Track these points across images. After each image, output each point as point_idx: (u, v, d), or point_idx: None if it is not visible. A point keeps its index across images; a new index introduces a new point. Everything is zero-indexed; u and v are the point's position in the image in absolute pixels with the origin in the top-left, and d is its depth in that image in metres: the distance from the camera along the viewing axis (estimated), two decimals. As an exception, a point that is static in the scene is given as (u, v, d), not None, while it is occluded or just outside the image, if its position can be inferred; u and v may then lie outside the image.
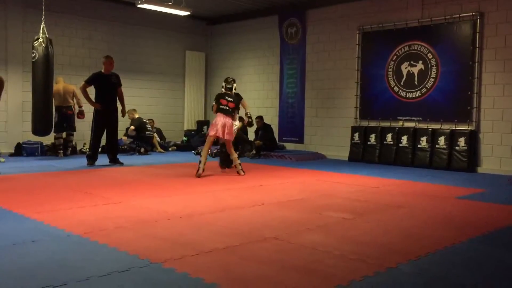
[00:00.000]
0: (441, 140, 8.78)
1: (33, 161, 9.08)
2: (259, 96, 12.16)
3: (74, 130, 10.12)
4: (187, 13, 11.75)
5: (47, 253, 3.32)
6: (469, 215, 4.88)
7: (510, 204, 5.50)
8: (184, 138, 12.48)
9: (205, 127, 13.05)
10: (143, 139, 10.86)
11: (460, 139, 8.57)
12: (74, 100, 10.02)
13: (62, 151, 9.95)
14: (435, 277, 2.98)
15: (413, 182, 7.13)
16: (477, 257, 3.44)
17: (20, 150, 9.97)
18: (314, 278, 2.90)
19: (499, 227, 4.37)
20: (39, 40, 8.00)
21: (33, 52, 8.09)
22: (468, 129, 8.56)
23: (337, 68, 10.54)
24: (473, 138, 8.50)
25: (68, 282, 2.74)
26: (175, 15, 11.87)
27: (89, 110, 9.09)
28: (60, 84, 9.89)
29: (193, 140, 12.17)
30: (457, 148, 8.58)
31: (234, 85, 7.94)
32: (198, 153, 10.99)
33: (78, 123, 10.22)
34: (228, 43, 12.98)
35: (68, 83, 10.11)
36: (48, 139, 9.95)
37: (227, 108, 7.63)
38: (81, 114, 10.06)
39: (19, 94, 10.19)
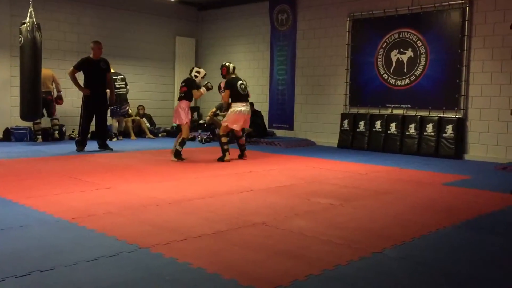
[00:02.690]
0: (429, 128, 8.85)
1: (22, 146, 9.03)
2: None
3: (54, 115, 9.98)
4: (177, -2, 11.67)
5: (35, 238, 3.33)
6: (455, 201, 4.95)
7: (495, 190, 5.58)
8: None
9: (195, 113, 13.03)
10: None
11: (447, 127, 8.65)
12: (53, 85, 9.91)
13: (40, 136, 9.82)
14: (419, 261, 3.04)
15: (401, 168, 7.20)
16: (461, 242, 3.51)
17: (9, 136, 9.90)
18: (301, 263, 2.94)
19: (484, 212, 4.45)
20: (25, 25, 7.90)
21: (19, 37, 8.00)
22: (455, 117, 8.64)
23: (327, 55, 10.54)
24: (460, 125, 8.58)
25: (56, 267, 2.76)
26: (165, 0, 11.80)
27: (78, 95, 9.03)
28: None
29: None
30: (444, 135, 8.67)
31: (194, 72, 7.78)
32: (188, 139, 10.96)
33: (66, 108, 10.15)
34: (218, 29, 12.91)
35: (48, 68, 9.88)
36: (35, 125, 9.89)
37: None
38: (59, 99, 9.96)
39: (7, 79, 10.09)
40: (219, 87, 8.35)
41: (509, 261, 3.13)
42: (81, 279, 2.61)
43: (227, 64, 7.79)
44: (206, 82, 7.85)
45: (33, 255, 2.97)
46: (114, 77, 9.84)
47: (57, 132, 10.12)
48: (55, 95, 9.94)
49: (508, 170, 7.15)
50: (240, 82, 7.58)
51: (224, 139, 7.49)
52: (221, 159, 7.46)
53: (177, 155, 7.47)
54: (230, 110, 7.57)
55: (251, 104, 10.88)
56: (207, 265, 2.84)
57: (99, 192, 4.92)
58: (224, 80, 7.84)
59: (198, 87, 7.62)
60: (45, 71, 9.78)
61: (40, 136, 9.83)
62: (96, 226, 3.61)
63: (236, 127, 7.56)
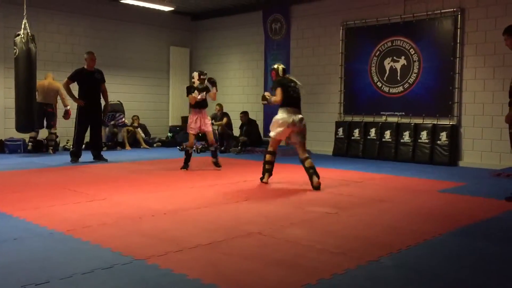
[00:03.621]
0: (423, 135, 8.89)
1: (16, 158, 8.98)
2: (244, 92, 12.17)
3: (52, 127, 9.87)
4: (171, 8, 11.70)
5: (30, 250, 3.31)
6: (450, 208, 4.96)
7: (490, 197, 5.59)
8: (169, 134, 12.44)
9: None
10: None
11: (442, 134, 8.68)
12: (58, 98, 9.85)
13: (31, 143, 9.68)
14: (415, 269, 3.04)
15: (396, 176, 7.22)
16: (457, 249, 3.51)
17: (3, 147, 9.85)
18: (297, 272, 2.93)
19: (479, 219, 4.46)
20: (20, 36, 7.90)
21: (14, 48, 7.99)
22: (449, 124, 8.68)
23: (321, 63, 10.59)
24: (454, 132, 8.62)
25: (50, 280, 2.74)
26: (159, 10, 11.83)
27: (72, 106, 9.01)
28: (47, 80, 9.72)
29: (178, 136, 12.14)
30: (439, 142, 8.70)
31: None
32: (183, 149, 10.98)
33: (60, 119, 10.10)
34: (212, 38, 12.95)
35: (56, 80, 9.90)
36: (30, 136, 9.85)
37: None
38: (66, 114, 9.83)
39: (1, 90, 10.06)
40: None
41: (504, 268, 3.14)
42: (76, 292, 2.59)
43: (275, 66, 6.53)
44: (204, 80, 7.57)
45: (27, 268, 2.95)
46: None
47: (51, 148, 9.83)
48: (59, 109, 9.81)
49: (503, 177, 7.18)
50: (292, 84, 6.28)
51: (268, 157, 6.26)
52: (261, 179, 6.34)
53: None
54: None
55: (245, 113, 10.92)
56: (203, 275, 2.83)
57: (94, 204, 4.89)
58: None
59: (190, 92, 7.46)
60: (52, 83, 9.74)
61: (31, 144, 9.72)
62: (91, 237, 3.59)
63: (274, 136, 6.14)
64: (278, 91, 6.09)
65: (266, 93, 6.51)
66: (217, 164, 7.66)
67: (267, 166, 6.27)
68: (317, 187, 5.87)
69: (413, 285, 2.79)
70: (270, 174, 6.30)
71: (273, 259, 3.18)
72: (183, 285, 2.71)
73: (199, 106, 7.45)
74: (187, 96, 7.52)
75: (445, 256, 3.35)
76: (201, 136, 8.28)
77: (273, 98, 6.17)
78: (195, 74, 7.55)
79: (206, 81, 7.54)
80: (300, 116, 6.09)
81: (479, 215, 4.63)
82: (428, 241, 3.69)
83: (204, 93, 7.50)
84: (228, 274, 2.89)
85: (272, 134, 6.12)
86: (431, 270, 3.02)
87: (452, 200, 5.42)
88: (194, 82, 7.51)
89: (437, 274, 2.96)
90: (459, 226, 4.16)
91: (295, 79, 6.35)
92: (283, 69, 6.43)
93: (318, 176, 5.93)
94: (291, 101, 6.09)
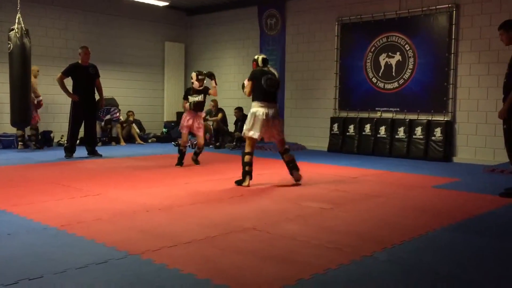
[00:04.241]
0: (418, 131, 8.92)
1: (10, 153, 8.94)
2: (239, 87, 12.09)
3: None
4: (166, 3, 11.67)
5: (24, 246, 3.29)
6: (444, 204, 4.98)
7: (484, 192, 5.62)
8: (164, 130, 12.42)
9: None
10: None
11: (436, 130, 8.71)
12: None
13: (21, 143, 9.64)
14: (409, 264, 3.05)
15: (391, 172, 7.24)
16: (451, 245, 3.53)
17: (-4, 143, 9.80)
18: (291, 267, 2.94)
19: (473, 215, 4.48)
20: (14, 31, 7.85)
21: (8, 43, 7.94)
22: (444, 120, 8.71)
23: (316, 59, 10.58)
24: (449, 128, 8.65)
25: (44, 275, 2.73)
26: (154, 5, 11.79)
27: (67, 102, 8.96)
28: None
29: (173, 131, 12.12)
30: (433, 138, 8.73)
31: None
32: (178, 145, 10.96)
33: (54, 114, 10.06)
34: (207, 34, 12.91)
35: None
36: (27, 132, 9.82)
37: None
38: (38, 104, 9.61)
39: (-6, 85, 10.00)
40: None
41: (498, 263, 3.15)
42: (70, 287, 2.58)
43: (255, 57, 6.12)
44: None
45: (21, 263, 2.94)
46: None
47: (33, 143, 9.69)
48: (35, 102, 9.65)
49: (497, 172, 7.21)
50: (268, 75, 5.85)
51: (247, 158, 5.79)
52: (238, 183, 5.83)
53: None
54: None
55: (240, 109, 10.90)
56: (197, 271, 2.83)
57: (88, 199, 4.88)
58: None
59: (185, 97, 7.49)
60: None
61: (21, 144, 9.63)
62: (85, 233, 3.58)
63: (254, 134, 5.77)
64: (249, 83, 5.85)
65: (246, 82, 6.08)
66: (196, 161, 7.68)
67: (247, 168, 5.74)
68: (297, 180, 5.89)
69: (407, 280, 2.80)
70: (251, 177, 5.81)
71: (267, 254, 3.18)
72: (177, 280, 2.71)
73: (195, 109, 7.41)
74: (183, 99, 7.53)
75: (439, 251, 3.36)
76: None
77: (245, 89, 5.97)
78: (193, 75, 7.45)
79: (204, 81, 7.44)
80: (273, 110, 5.80)
81: (473, 211, 4.65)
82: (422, 236, 3.70)
83: (202, 95, 7.42)
84: (222, 269, 2.89)
85: (251, 133, 5.74)
86: (425, 265, 3.03)
87: (446, 195, 5.45)
88: (193, 83, 7.43)
89: (431, 269, 2.97)
90: (453, 222, 4.18)
91: (273, 71, 6.00)
92: (263, 59, 5.98)
93: (297, 169, 5.92)
94: (265, 95, 5.77)
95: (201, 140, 7.58)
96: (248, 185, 5.73)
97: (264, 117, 5.71)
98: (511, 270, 3.02)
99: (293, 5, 10.95)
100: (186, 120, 7.41)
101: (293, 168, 5.90)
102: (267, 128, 5.78)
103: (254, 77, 5.83)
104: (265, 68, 5.94)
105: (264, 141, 10.99)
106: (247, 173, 5.76)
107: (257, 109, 5.76)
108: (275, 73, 6.01)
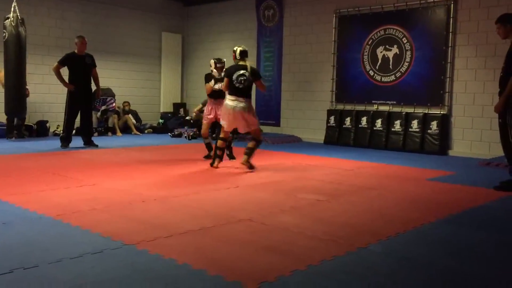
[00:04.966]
0: (414, 124, 8.93)
1: (5, 142, 8.91)
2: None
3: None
4: (163, -7, 11.60)
5: (19, 235, 3.29)
6: (439, 197, 5.00)
7: (478, 186, 5.65)
8: (161, 121, 12.40)
9: (181, 109, 12.98)
10: None
11: (432, 123, 8.73)
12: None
13: (15, 132, 9.56)
14: (404, 256, 3.07)
15: (386, 164, 7.25)
16: (445, 237, 3.55)
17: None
18: (286, 258, 2.95)
19: (467, 207, 4.50)
20: (9, 20, 7.81)
21: (3, 32, 7.90)
22: (440, 113, 8.72)
23: (313, 51, 10.56)
24: (445, 121, 8.66)
25: (39, 264, 2.73)
26: (150, -5, 11.73)
27: (63, 91, 8.94)
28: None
29: (170, 122, 12.10)
30: (429, 131, 8.75)
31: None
32: (175, 136, 10.97)
33: (50, 104, 9.99)
34: (205, 25, 12.86)
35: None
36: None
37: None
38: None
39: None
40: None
41: (492, 256, 3.17)
42: (65, 276, 2.58)
43: (235, 48, 6.51)
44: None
45: (16, 252, 2.94)
46: None
47: (16, 133, 9.53)
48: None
49: (492, 166, 7.24)
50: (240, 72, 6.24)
51: (220, 143, 6.45)
52: (211, 164, 6.52)
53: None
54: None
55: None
56: (192, 261, 2.84)
57: (84, 189, 4.88)
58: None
59: (207, 81, 7.14)
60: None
61: (15, 132, 9.56)
62: (81, 222, 3.58)
63: (224, 124, 6.39)
64: (225, 81, 6.31)
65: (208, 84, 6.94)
66: (231, 156, 7.24)
67: (218, 152, 6.43)
68: (243, 164, 6.22)
69: (401, 272, 2.81)
70: (221, 160, 6.47)
71: (262, 245, 3.19)
72: (173, 270, 2.71)
73: (215, 96, 7.07)
74: (205, 84, 7.19)
75: (434, 243, 3.38)
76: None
77: (222, 86, 6.51)
78: (212, 62, 7.18)
79: (223, 68, 7.03)
80: (241, 104, 6.16)
81: (467, 204, 4.67)
82: (417, 228, 3.72)
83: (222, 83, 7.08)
84: (217, 259, 2.90)
85: (223, 123, 6.36)
86: (419, 257, 3.05)
87: (442, 188, 5.47)
88: (212, 71, 7.16)
89: (426, 261, 2.99)
90: (448, 214, 4.20)
91: (249, 65, 6.30)
92: (241, 52, 6.34)
93: (249, 156, 6.22)
94: (235, 90, 6.20)
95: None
96: (217, 167, 6.38)
97: (231, 110, 6.18)
98: (506, 263, 3.04)
99: (291, -4, 10.90)
100: (209, 111, 7.11)
101: (246, 154, 6.29)
102: (233, 121, 6.24)
103: (228, 75, 6.27)
104: (241, 62, 6.31)
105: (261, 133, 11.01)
106: (218, 156, 6.43)
107: (226, 102, 6.27)
108: (249, 67, 6.28)
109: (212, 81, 7.09)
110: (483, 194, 5.18)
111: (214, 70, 7.16)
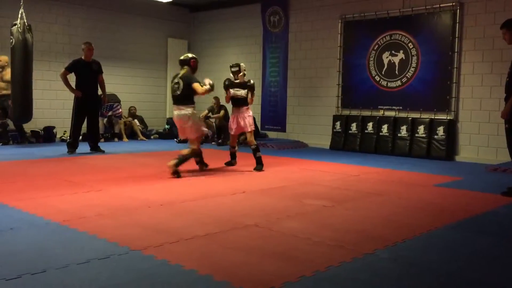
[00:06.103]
0: (421, 129, 8.90)
1: (11, 148, 8.96)
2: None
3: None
4: (169, 0, 11.67)
5: (26, 240, 3.30)
6: (446, 202, 4.97)
7: (486, 191, 5.61)
8: (166, 126, 12.41)
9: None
10: None
11: (439, 128, 8.69)
12: None
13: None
14: (411, 262, 3.05)
15: (393, 170, 7.23)
16: (453, 243, 3.52)
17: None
18: (293, 265, 2.94)
19: (475, 213, 4.47)
20: (16, 26, 7.86)
21: (10, 38, 7.96)
22: (447, 118, 8.69)
23: (319, 57, 10.57)
24: (451, 127, 8.63)
25: (47, 270, 2.74)
26: (157, 1, 11.77)
27: (69, 97, 8.98)
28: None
29: (175, 128, 12.10)
30: (436, 137, 8.71)
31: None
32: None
33: (57, 110, 10.04)
34: (210, 31, 12.90)
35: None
36: (27, 127, 9.84)
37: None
38: None
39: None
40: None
41: (499, 262, 3.15)
42: (72, 282, 2.59)
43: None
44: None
45: (23, 257, 2.94)
46: None
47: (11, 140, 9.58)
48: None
49: (499, 171, 7.20)
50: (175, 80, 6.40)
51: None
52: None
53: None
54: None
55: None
56: (199, 267, 2.83)
57: (90, 195, 4.89)
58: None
59: (225, 88, 6.99)
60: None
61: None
62: (87, 228, 3.59)
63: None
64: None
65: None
66: (258, 165, 6.89)
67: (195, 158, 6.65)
68: (169, 166, 6.08)
69: (408, 278, 2.80)
70: (206, 165, 6.75)
71: (269, 251, 3.18)
72: (179, 275, 2.71)
73: (235, 104, 6.90)
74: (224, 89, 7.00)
75: (441, 249, 3.36)
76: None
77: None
78: (242, 66, 7.09)
79: (239, 73, 6.93)
80: (178, 111, 6.32)
81: (475, 209, 4.64)
82: (423, 234, 3.70)
83: (245, 90, 6.85)
84: (223, 265, 2.89)
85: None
86: (426, 263, 3.03)
87: (448, 194, 5.44)
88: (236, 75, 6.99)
89: (432, 267, 2.97)
90: (455, 220, 4.18)
91: (183, 73, 6.37)
92: (179, 61, 6.53)
93: (179, 163, 6.10)
94: (173, 99, 6.43)
95: (250, 137, 6.91)
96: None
97: (176, 119, 6.43)
98: (513, 269, 3.01)
99: (296, 2, 10.92)
100: (232, 121, 6.96)
101: (177, 158, 6.16)
102: (180, 129, 6.53)
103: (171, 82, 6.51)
104: (180, 71, 6.48)
105: (266, 139, 11.03)
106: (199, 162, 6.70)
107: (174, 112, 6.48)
108: (182, 76, 6.34)
109: (230, 91, 6.91)
110: (491, 200, 5.15)
111: (233, 76, 7.02)
